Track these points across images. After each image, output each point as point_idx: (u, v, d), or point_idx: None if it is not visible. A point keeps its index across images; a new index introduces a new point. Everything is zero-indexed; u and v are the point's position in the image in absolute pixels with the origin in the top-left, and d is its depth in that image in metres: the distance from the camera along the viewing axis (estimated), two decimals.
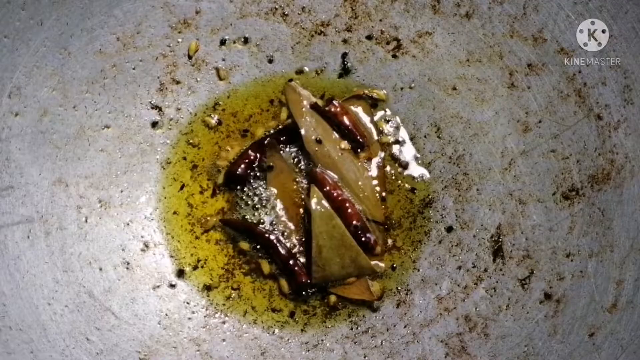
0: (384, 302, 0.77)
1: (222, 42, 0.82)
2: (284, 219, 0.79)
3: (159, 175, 0.79)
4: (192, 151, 0.80)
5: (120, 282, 0.76)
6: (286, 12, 0.82)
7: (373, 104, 0.82)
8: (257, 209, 0.79)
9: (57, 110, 0.76)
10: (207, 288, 0.77)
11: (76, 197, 0.76)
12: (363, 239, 0.76)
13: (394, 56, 0.82)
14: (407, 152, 0.81)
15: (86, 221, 0.76)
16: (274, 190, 0.79)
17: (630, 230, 0.71)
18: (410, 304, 0.76)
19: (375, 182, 0.80)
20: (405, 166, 0.80)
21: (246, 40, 0.82)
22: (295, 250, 0.78)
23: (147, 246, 0.78)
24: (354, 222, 0.76)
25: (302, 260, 0.77)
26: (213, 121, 0.81)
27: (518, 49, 0.79)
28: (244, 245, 0.78)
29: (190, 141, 0.81)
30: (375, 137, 0.81)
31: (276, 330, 0.76)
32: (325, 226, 0.75)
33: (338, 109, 0.80)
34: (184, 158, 0.80)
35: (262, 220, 0.78)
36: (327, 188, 0.77)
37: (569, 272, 0.73)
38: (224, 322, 0.76)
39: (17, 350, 0.69)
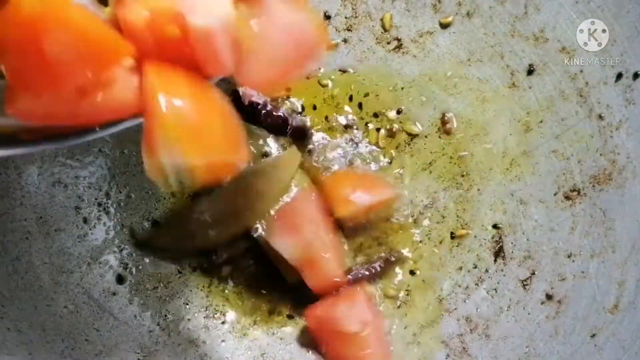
0: (382, 302, 0.76)
1: None
2: None
3: None
4: None
5: (119, 283, 0.75)
6: None
7: None
8: None
9: None
10: (207, 288, 0.77)
11: (75, 198, 0.76)
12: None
13: (395, 55, 0.82)
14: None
15: (85, 222, 0.76)
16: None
17: (632, 231, 0.71)
18: (410, 305, 0.76)
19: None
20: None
21: None
22: None
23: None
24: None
25: None
26: None
27: (519, 48, 0.78)
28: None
29: None
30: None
31: (276, 332, 0.76)
32: None
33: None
34: None
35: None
36: None
37: (571, 272, 0.73)
38: (223, 323, 0.76)
39: (16, 351, 0.69)
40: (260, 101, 0.77)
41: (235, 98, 0.78)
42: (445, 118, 0.80)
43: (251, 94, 0.78)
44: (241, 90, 0.78)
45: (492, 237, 0.77)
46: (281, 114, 0.77)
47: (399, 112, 0.81)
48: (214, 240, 0.75)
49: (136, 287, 0.76)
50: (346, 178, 0.78)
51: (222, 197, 0.75)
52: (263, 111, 0.77)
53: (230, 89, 0.78)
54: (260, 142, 0.78)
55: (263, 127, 0.78)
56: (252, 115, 0.77)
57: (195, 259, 0.77)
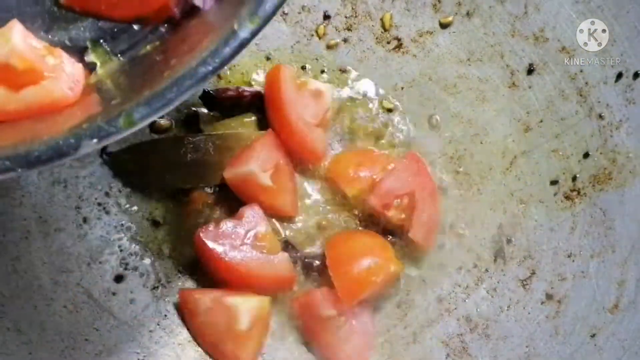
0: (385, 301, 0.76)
1: None
2: None
3: None
4: None
5: (119, 283, 0.75)
6: (286, 11, 0.82)
7: None
8: None
9: None
10: (206, 288, 0.77)
11: (75, 197, 0.75)
12: None
13: (395, 55, 0.82)
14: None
15: (85, 222, 0.76)
16: None
17: (632, 231, 0.71)
18: (410, 305, 0.76)
19: None
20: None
21: None
22: None
23: (146, 247, 0.77)
24: None
25: None
26: None
27: (519, 48, 0.78)
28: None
29: None
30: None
31: (276, 331, 0.76)
32: None
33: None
34: None
35: None
36: None
37: (571, 272, 0.73)
38: None
39: (16, 351, 0.69)
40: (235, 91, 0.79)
41: (207, 98, 0.78)
42: (433, 120, 0.81)
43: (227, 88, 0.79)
44: (211, 90, 0.79)
45: (492, 237, 0.77)
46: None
47: (398, 110, 0.81)
48: (179, 184, 0.77)
49: (136, 286, 0.76)
50: (347, 159, 0.78)
51: (201, 144, 0.76)
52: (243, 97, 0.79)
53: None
54: None
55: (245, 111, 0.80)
56: (232, 107, 0.79)
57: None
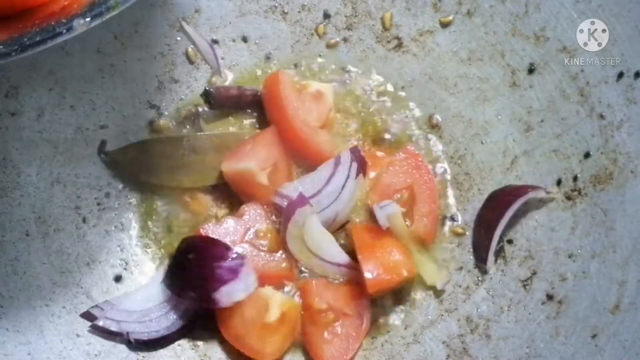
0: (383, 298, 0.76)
1: (222, 41, 0.82)
2: None
3: None
4: None
5: (118, 283, 0.75)
6: (286, 10, 0.82)
7: None
8: None
9: (54, 110, 0.75)
10: None
11: (74, 197, 0.75)
12: None
13: (395, 54, 0.82)
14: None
15: (84, 222, 0.75)
16: None
17: (633, 231, 0.71)
18: (411, 305, 0.76)
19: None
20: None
21: (245, 39, 0.82)
22: None
23: (145, 246, 0.77)
24: None
25: None
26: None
27: (520, 47, 0.78)
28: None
29: None
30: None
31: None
32: None
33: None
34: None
35: None
36: None
37: (571, 272, 0.73)
38: None
39: (15, 352, 0.69)
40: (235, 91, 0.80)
41: (209, 97, 0.78)
42: (433, 120, 0.80)
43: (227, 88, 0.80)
44: (212, 88, 0.79)
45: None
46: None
47: (399, 110, 0.81)
48: (179, 183, 0.77)
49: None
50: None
51: (200, 143, 0.77)
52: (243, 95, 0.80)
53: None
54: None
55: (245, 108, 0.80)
56: (233, 106, 0.80)
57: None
